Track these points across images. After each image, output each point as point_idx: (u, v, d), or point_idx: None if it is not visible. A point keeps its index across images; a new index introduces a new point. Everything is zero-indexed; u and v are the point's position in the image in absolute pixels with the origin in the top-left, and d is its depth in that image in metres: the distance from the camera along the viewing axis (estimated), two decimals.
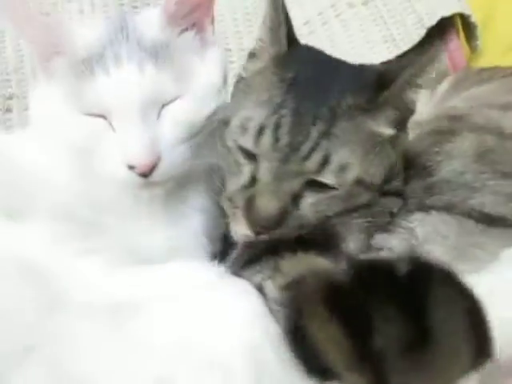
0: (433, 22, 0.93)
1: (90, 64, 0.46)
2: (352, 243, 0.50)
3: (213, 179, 0.53)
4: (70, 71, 0.47)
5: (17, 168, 0.51)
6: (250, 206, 0.45)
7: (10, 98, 1.06)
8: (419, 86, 0.48)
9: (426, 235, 0.48)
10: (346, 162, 0.44)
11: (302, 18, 1.07)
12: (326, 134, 0.44)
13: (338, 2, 1.03)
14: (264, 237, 0.46)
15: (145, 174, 0.45)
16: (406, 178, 0.54)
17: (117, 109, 0.45)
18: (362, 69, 0.52)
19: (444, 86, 0.84)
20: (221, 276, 0.42)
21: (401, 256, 0.27)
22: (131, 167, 0.45)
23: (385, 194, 0.51)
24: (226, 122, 0.50)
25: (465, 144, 0.52)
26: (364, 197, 0.48)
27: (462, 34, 0.97)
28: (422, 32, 0.94)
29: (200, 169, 0.53)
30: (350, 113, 0.45)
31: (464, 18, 0.94)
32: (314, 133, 0.44)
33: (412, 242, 0.49)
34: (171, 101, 0.47)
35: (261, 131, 0.45)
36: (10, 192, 0.47)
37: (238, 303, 0.37)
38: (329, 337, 0.25)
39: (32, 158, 0.51)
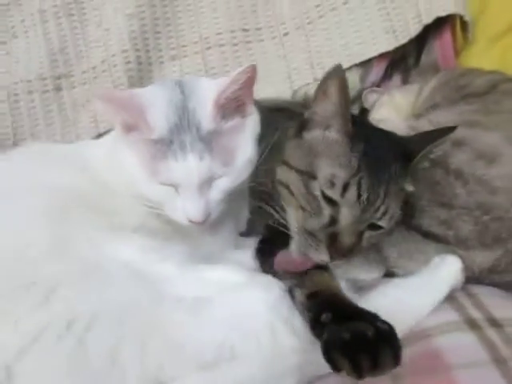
0: (429, 20, 1.04)
1: (162, 148, 0.62)
2: None
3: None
4: (146, 149, 0.63)
5: (105, 185, 0.70)
6: (333, 241, 0.62)
7: (59, 77, 1.20)
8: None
9: (388, 241, 0.71)
10: (395, 212, 0.65)
11: (313, 1, 1.15)
12: (387, 194, 0.63)
13: None
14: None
15: (199, 224, 0.66)
16: None
17: (182, 184, 0.63)
18: (396, 140, 0.69)
19: (431, 84, 0.99)
20: (249, 276, 0.65)
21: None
22: (191, 221, 0.65)
23: None
24: (312, 176, 0.64)
25: (426, 174, 0.71)
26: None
27: (458, 25, 1.08)
28: (419, 28, 1.05)
29: None
30: (396, 176, 0.64)
31: None
32: (382, 192, 0.62)
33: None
34: (219, 177, 0.65)
35: (346, 187, 0.61)
36: (110, 209, 0.68)
37: (262, 296, 0.60)
38: None
39: (117, 182, 0.70)
